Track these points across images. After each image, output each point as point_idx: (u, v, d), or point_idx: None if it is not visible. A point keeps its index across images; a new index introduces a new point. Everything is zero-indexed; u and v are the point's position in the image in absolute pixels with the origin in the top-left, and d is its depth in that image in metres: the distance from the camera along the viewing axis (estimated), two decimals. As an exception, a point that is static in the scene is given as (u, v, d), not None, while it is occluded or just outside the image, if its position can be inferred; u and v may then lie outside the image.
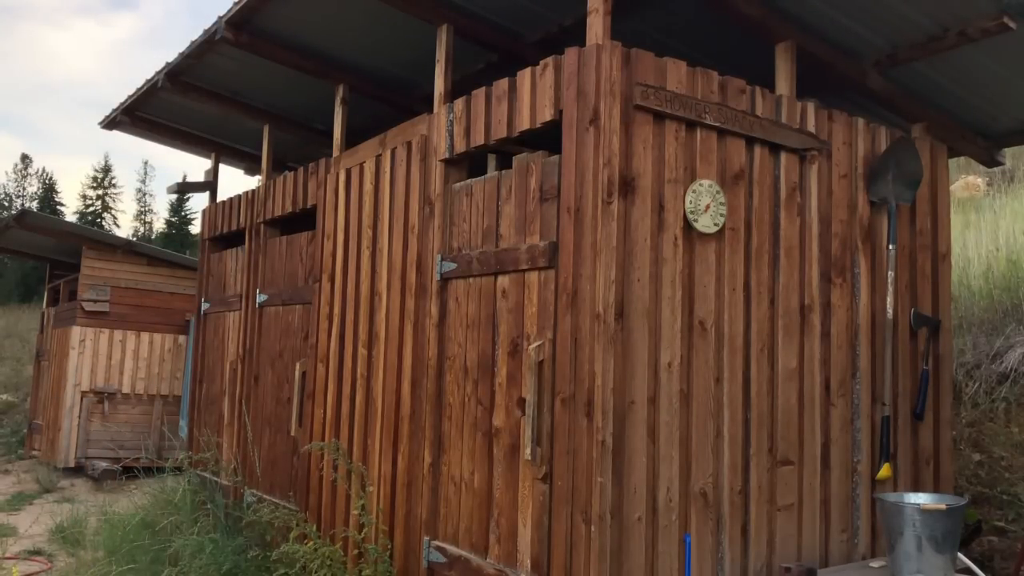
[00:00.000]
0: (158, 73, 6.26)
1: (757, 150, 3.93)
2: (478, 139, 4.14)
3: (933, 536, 3.51)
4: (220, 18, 5.22)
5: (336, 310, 5.31)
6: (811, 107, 4.16)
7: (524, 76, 3.83)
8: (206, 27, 5.45)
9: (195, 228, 48.79)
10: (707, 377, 3.66)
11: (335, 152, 5.67)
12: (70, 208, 61.12)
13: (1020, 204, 9.84)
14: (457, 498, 4.07)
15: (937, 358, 4.64)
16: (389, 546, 4.46)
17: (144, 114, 7.39)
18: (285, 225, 6.41)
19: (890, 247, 4.40)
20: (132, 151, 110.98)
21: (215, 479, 6.39)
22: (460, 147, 4.28)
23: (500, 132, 3.98)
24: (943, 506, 3.61)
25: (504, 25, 4.94)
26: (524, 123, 3.81)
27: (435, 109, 4.60)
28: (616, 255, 3.37)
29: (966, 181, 12.59)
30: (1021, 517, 5.30)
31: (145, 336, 11.63)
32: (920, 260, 4.61)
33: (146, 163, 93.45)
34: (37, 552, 6.57)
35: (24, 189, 61.30)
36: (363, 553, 4.55)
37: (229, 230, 7.16)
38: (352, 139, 5.63)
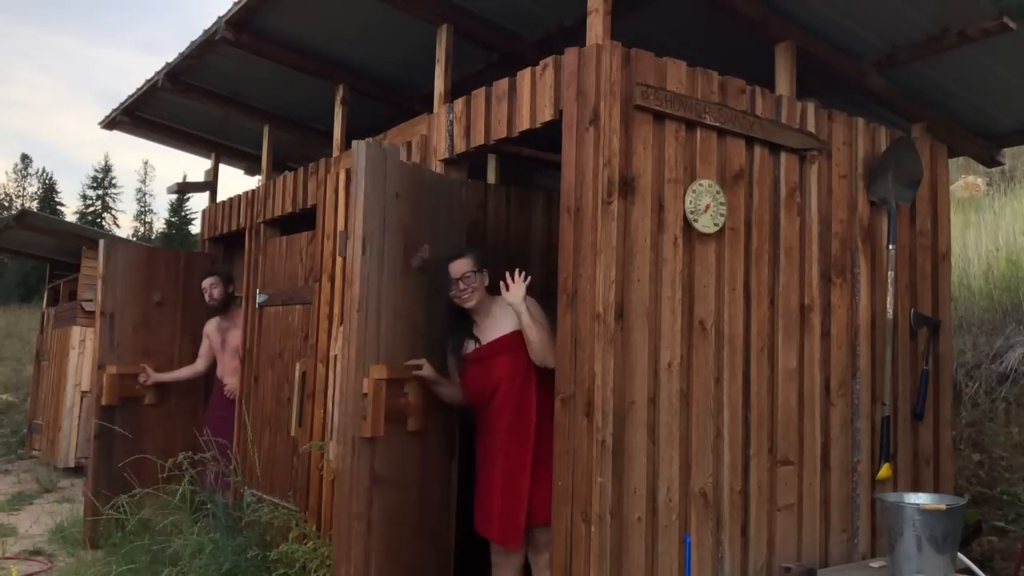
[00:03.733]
0: (158, 73, 6.26)
1: (757, 150, 3.93)
2: (478, 139, 4.14)
3: (933, 536, 3.51)
4: (220, 18, 5.21)
5: (336, 310, 5.30)
6: (811, 107, 4.16)
7: (524, 76, 3.83)
8: (206, 27, 5.46)
9: (195, 228, 48.78)
10: (707, 377, 3.65)
11: (335, 152, 5.66)
12: (70, 208, 61.14)
13: (1020, 204, 9.84)
14: (457, 498, 4.07)
15: (937, 358, 4.63)
16: (389, 546, 4.46)
17: (144, 114, 7.39)
18: (285, 225, 6.41)
19: (890, 247, 4.40)
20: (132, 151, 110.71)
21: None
22: (460, 147, 4.28)
23: (500, 132, 3.98)
24: (943, 506, 3.60)
25: (504, 25, 4.94)
26: (524, 123, 3.81)
27: (435, 109, 4.60)
28: (616, 255, 3.37)
29: (966, 181, 12.59)
30: (1021, 517, 5.30)
31: (145, 336, 11.60)
32: (920, 260, 4.61)
33: (146, 163, 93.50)
34: (37, 552, 6.56)
35: (24, 189, 61.38)
36: (363, 553, 4.54)
37: (229, 230, 7.16)
38: (352, 139, 5.61)
